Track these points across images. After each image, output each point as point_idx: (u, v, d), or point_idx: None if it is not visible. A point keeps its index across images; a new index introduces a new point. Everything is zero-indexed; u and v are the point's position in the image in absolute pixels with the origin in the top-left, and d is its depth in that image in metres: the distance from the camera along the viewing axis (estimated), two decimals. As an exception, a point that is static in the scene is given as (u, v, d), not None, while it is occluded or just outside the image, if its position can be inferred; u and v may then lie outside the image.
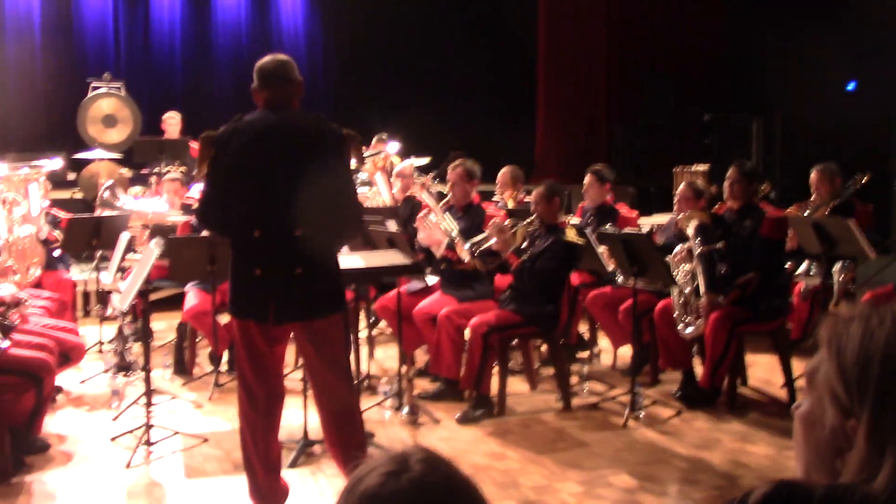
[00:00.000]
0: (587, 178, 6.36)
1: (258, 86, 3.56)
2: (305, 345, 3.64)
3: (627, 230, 5.64)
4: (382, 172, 7.12)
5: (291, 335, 3.73)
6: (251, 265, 3.49)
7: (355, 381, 4.86)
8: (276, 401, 3.69)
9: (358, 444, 3.69)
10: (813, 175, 6.41)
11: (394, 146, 8.11)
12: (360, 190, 7.97)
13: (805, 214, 6.02)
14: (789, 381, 5.29)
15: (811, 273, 6.07)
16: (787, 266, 5.85)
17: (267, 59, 3.60)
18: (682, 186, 5.85)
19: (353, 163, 6.92)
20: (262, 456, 3.65)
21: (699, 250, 5.14)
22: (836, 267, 5.89)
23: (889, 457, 0.99)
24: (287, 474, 3.96)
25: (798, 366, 5.33)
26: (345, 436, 3.67)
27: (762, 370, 5.99)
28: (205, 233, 5.72)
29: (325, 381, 3.65)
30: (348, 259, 4.61)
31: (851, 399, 1.03)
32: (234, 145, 3.48)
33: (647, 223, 6.67)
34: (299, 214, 3.44)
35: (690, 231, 5.20)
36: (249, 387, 3.61)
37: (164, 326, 7.26)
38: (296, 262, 3.47)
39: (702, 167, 9.66)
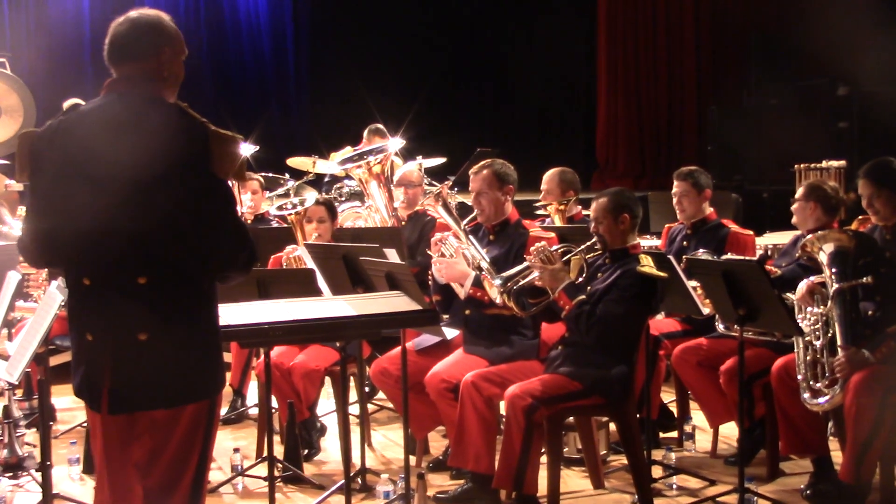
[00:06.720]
0: (677, 186, 6.36)
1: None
2: (145, 444, 3.34)
3: (734, 256, 5.61)
4: (379, 180, 7.13)
5: None
6: (81, 327, 3.33)
7: (347, 477, 4.84)
8: None
9: None
10: None
11: (396, 143, 8.13)
12: (350, 205, 7.97)
13: None
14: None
15: None
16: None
17: (120, 19, 3.40)
18: (800, 190, 5.82)
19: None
20: None
21: (836, 286, 5.10)
22: None
23: None
24: None
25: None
26: None
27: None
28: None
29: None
30: (331, 305, 4.60)
31: None
32: (55, 151, 3.29)
33: (758, 245, 6.64)
34: (143, 253, 3.25)
35: (823, 258, 5.17)
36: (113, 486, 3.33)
37: (69, 404, 7.26)
38: (138, 322, 3.25)
39: (835, 164, 9.63)
